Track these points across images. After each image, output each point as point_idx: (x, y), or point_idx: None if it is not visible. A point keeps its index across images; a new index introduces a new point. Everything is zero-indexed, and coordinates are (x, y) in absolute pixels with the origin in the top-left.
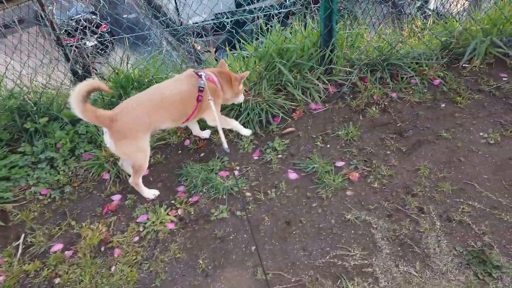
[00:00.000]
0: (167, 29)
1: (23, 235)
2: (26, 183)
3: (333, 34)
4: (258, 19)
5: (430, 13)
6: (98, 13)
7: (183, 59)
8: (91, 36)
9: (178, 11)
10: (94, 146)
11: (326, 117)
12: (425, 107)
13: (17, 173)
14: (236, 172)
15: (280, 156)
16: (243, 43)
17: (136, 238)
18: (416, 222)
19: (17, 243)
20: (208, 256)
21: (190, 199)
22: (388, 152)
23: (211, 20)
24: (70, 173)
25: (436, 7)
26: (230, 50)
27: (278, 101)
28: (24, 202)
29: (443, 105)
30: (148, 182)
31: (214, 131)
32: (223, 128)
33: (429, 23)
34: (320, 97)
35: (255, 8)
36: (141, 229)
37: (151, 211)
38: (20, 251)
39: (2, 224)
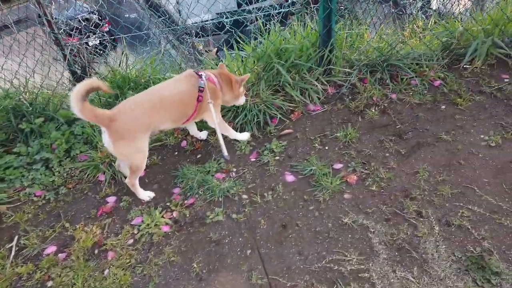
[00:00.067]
0: (167, 28)
1: (16, 237)
2: (21, 184)
3: (332, 35)
4: (256, 20)
5: (431, 12)
6: (96, 12)
7: (182, 59)
8: (93, 35)
9: (180, 12)
10: (90, 147)
11: (325, 119)
12: (425, 109)
13: (11, 174)
14: (233, 174)
15: (277, 158)
16: (241, 43)
17: (130, 241)
18: (414, 226)
19: (10, 245)
20: (203, 260)
21: (185, 202)
22: (387, 154)
23: (211, 20)
24: (65, 174)
25: (438, 7)
26: (228, 50)
27: (276, 102)
28: (18, 204)
29: (444, 106)
30: (144, 183)
31: (211, 132)
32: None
33: (430, 23)
34: (319, 98)
35: (253, 8)
36: (135, 231)
37: (146, 214)
38: (13, 253)
39: None
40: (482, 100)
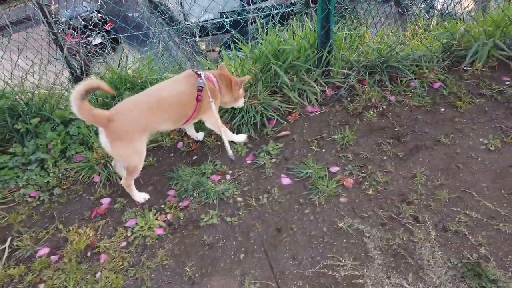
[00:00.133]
0: (168, 28)
1: (9, 239)
2: (16, 184)
3: (331, 35)
4: (255, 22)
5: (435, 12)
6: (97, 11)
7: (181, 59)
8: (97, 34)
9: (184, 15)
10: (85, 148)
11: (322, 121)
12: (424, 111)
13: (6, 175)
14: (228, 176)
15: (273, 160)
16: (238, 43)
17: (124, 243)
18: (410, 231)
19: (3, 246)
20: (196, 264)
21: (180, 204)
22: (385, 157)
23: (211, 20)
24: (60, 175)
25: (441, 8)
26: (226, 51)
27: (273, 103)
28: (12, 204)
29: (443, 109)
30: (139, 185)
31: (208, 133)
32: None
33: (432, 24)
34: (317, 100)
35: (253, 9)
36: (129, 234)
37: (140, 216)
38: (6, 254)
39: None
40: (482, 103)
